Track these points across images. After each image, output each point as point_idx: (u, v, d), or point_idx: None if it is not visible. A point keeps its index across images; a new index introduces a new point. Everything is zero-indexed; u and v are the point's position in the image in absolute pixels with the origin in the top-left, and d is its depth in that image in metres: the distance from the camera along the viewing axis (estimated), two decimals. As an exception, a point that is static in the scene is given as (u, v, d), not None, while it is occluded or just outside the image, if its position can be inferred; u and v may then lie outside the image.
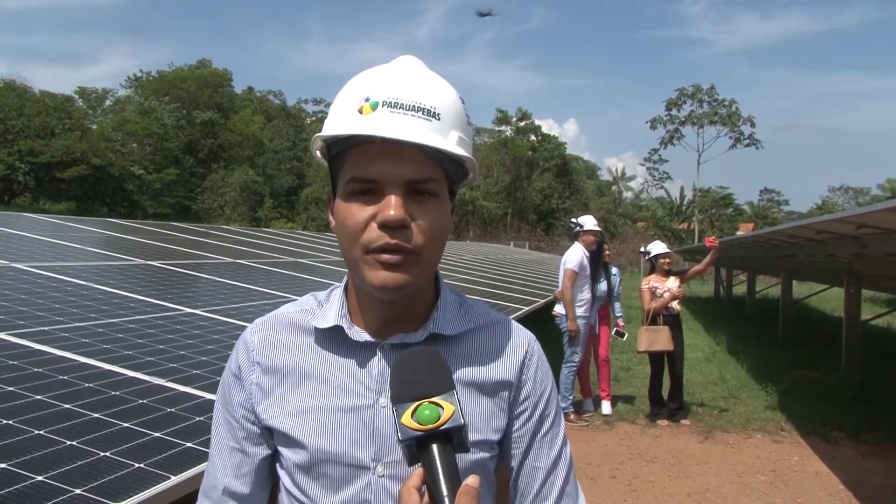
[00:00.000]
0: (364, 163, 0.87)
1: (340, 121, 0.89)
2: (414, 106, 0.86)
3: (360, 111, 0.87)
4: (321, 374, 0.95)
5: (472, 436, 0.92)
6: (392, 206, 0.85)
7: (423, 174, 0.87)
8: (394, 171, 0.86)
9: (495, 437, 0.96)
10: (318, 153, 0.95)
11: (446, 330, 0.96)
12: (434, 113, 0.87)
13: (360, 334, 0.95)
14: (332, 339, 0.96)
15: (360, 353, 0.95)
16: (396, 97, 0.86)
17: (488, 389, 0.96)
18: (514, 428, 0.98)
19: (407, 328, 0.95)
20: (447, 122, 0.88)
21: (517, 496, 1.00)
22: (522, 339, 1.01)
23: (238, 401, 0.98)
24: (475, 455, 0.93)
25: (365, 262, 0.88)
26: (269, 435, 0.98)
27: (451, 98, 0.91)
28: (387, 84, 0.88)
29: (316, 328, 0.97)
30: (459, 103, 0.92)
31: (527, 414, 0.99)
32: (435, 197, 0.89)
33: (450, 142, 0.88)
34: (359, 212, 0.87)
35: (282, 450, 0.96)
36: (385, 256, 0.86)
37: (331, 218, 0.95)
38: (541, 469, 0.99)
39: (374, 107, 0.86)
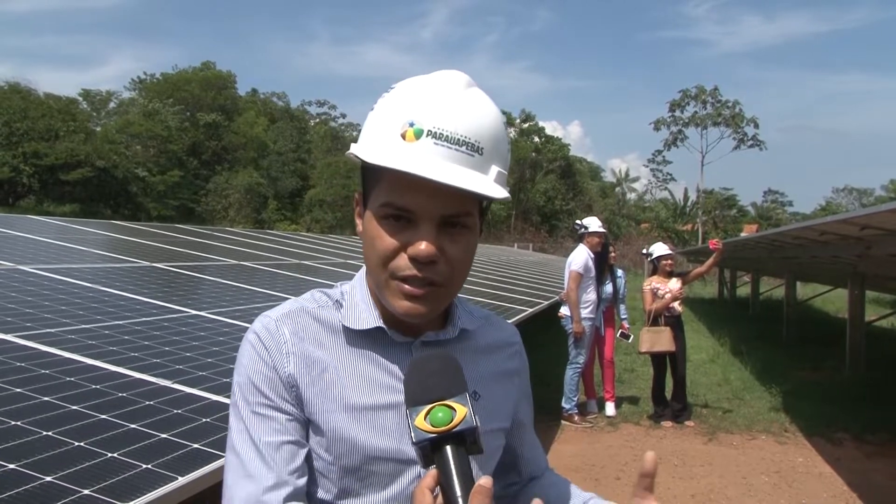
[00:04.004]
0: (400, 191, 0.86)
1: (383, 145, 0.86)
2: (458, 140, 0.85)
3: (404, 136, 0.85)
4: (361, 372, 0.95)
5: (497, 423, 1.02)
6: (424, 242, 0.85)
7: (459, 209, 0.87)
8: (430, 204, 0.86)
9: (509, 423, 1.06)
10: (353, 155, 0.92)
11: (468, 325, 1.01)
12: (477, 147, 0.86)
13: (398, 335, 0.96)
14: (365, 338, 0.96)
15: (396, 351, 0.96)
16: (441, 127, 0.85)
17: (507, 378, 1.06)
18: (518, 411, 1.09)
19: (428, 327, 0.97)
20: (489, 156, 0.87)
21: (524, 466, 1.12)
22: (512, 329, 1.13)
23: (278, 391, 0.93)
24: (498, 441, 1.03)
25: (390, 286, 0.89)
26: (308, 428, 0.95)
27: (495, 126, 0.89)
28: (432, 109, 0.86)
29: (347, 328, 0.96)
30: (502, 129, 0.91)
31: (524, 396, 1.11)
32: (467, 229, 0.89)
33: (489, 178, 0.87)
34: (390, 237, 0.87)
35: (321, 447, 0.93)
36: (409, 288, 0.87)
37: (357, 221, 0.95)
38: (532, 439, 1.15)
39: (418, 135, 0.84)
